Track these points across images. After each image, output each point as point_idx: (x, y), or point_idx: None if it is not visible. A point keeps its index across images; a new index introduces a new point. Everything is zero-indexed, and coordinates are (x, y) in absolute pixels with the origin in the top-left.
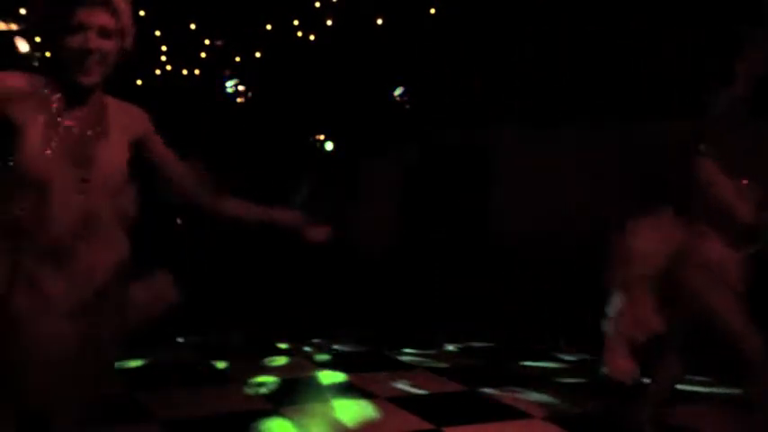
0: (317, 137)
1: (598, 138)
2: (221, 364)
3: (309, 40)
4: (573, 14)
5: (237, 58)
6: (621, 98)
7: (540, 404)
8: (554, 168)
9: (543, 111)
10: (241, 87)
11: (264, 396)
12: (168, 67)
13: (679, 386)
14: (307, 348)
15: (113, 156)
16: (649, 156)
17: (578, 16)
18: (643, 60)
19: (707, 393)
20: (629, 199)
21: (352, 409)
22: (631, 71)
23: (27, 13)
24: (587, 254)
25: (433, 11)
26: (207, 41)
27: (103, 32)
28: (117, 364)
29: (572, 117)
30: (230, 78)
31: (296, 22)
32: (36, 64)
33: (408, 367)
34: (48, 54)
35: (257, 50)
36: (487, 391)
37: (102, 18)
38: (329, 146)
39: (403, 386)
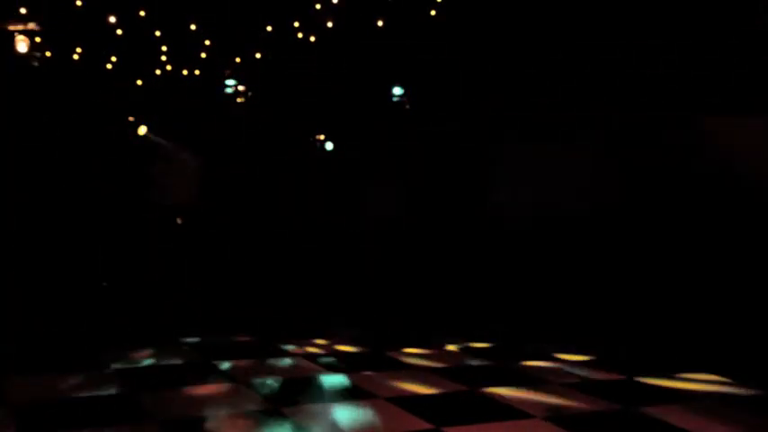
0: (318, 137)
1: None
2: (221, 364)
3: (310, 41)
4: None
5: (238, 59)
6: (616, 88)
7: (540, 404)
8: (551, 160)
9: (541, 101)
10: (241, 87)
11: (265, 396)
12: (168, 68)
13: (678, 385)
14: (307, 348)
15: None
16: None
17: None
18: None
19: (706, 392)
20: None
21: (352, 410)
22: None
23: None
24: (586, 244)
25: (433, 12)
26: (207, 42)
27: None
28: (118, 364)
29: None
30: (230, 78)
31: (296, 24)
32: (36, 64)
33: (408, 367)
34: (48, 54)
35: (257, 51)
36: (487, 391)
37: None
38: (329, 146)
39: (403, 386)
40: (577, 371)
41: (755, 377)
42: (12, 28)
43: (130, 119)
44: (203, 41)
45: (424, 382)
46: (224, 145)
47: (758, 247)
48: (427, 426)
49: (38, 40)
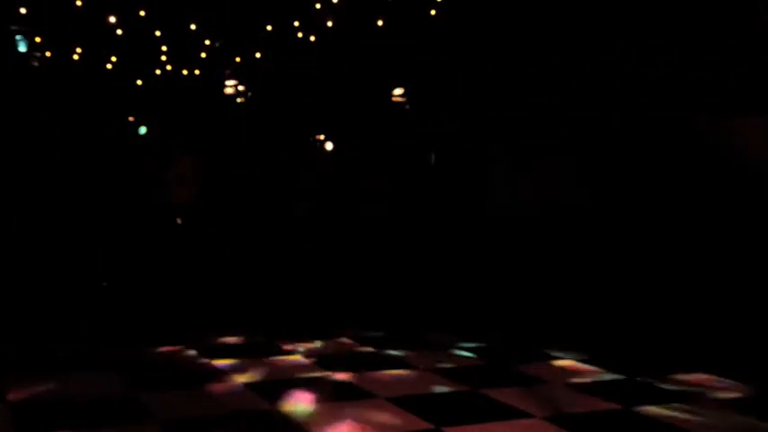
0: (318, 137)
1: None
2: (221, 364)
3: (310, 41)
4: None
5: (238, 59)
6: (616, 88)
7: (540, 404)
8: (550, 160)
9: (541, 101)
10: (241, 87)
11: (264, 396)
12: (168, 68)
13: (675, 385)
14: (306, 348)
15: None
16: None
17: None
18: (638, 53)
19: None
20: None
21: (351, 409)
22: (625, 64)
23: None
24: (585, 246)
25: (433, 12)
26: (207, 42)
27: None
28: (118, 364)
29: (568, 106)
30: (230, 78)
31: (296, 24)
32: (36, 64)
33: (408, 367)
34: (48, 54)
35: (257, 51)
36: (487, 391)
37: None
38: (329, 146)
39: (403, 386)
40: (577, 370)
41: (755, 376)
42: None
43: (130, 119)
44: (203, 41)
45: (424, 381)
46: (224, 145)
47: (758, 247)
48: (427, 425)
49: (38, 39)
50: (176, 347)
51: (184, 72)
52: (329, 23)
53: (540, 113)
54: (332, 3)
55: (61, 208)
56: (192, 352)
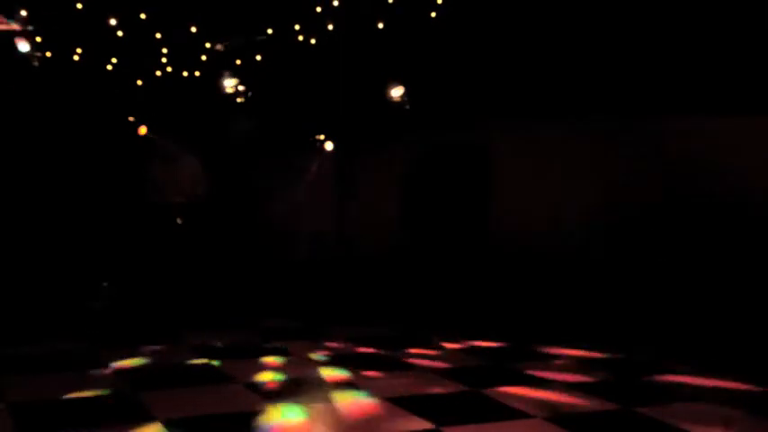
0: (318, 137)
1: (596, 134)
2: (221, 364)
3: (310, 44)
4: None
5: (238, 61)
6: (618, 94)
7: (540, 404)
8: (552, 166)
9: (542, 108)
10: (241, 87)
11: (264, 396)
12: (169, 69)
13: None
14: (306, 348)
15: None
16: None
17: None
18: (640, 57)
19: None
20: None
21: (352, 409)
22: (629, 68)
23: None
24: (585, 251)
25: (433, 14)
26: (207, 44)
27: None
28: (117, 364)
29: (569, 113)
30: (230, 78)
31: (297, 27)
32: (36, 64)
33: (408, 367)
34: (48, 54)
35: (258, 53)
36: (487, 391)
37: None
38: (329, 146)
39: (403, 386)
40: (577, 370)
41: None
42: (3, 28)
43: (130, 119)
44: (204, 44)
45: (426, 381)
46: (223, 145)
47: (755, 249)
48: (427, 425)
49: (38, 39)
50: (175, 347)
51: (185, 73)
52: (330, 26)
53: (540, 117)
54: (332, 5)
55: (61, 208)
56: (193, 352)
